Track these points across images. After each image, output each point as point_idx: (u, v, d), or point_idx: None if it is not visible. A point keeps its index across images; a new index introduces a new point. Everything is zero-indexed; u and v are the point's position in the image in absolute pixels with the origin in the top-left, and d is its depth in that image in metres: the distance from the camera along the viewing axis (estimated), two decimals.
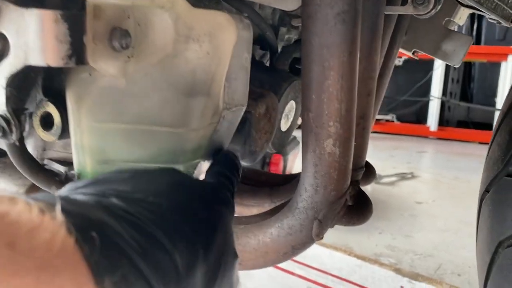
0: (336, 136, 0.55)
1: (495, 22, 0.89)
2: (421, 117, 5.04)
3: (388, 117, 5.12)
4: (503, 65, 4.49)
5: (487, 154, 0.64)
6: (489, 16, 0.84)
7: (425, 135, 4.82)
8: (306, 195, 0.60)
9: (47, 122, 0.57)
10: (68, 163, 0.70)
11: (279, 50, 0.90)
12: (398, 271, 1.60)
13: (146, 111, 0.48)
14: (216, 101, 0.52)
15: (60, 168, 0.71)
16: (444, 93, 4.87)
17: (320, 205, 0.59)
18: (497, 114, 4.56)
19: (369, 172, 0.83)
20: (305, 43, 0.53)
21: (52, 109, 0.55)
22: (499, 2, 0.81)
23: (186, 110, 0.49)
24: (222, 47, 0.47)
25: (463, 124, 5.10)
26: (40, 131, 0.57)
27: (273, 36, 0.81)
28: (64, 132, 0.56)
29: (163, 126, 0.49)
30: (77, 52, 0.40)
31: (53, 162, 0.71)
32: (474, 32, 5.04)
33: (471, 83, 5.19)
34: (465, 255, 1.79)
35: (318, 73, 0.53)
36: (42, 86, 0.57)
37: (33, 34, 0.39)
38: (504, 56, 4.41)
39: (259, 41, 0.85)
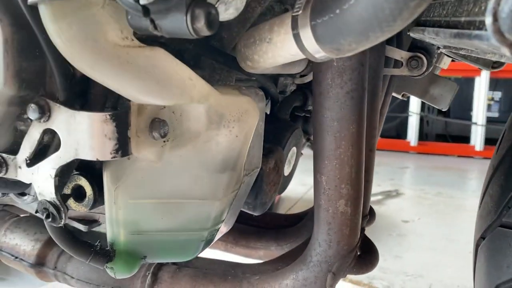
0: (348, 196, 0.60)
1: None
2: (400, 132, 5.18)
3: None
4: (477, 80, 4.66)
5: (480, 203, 0.70)
6: (472, 64, 0.91)
7: (406, 150, 4.95)
8: (320, 250, 0.64)
9: (77, 193, 0.61)
10: (87, 221, 0.73)
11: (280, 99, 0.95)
12: None
13: (179, 187, 0.52)
14: (239, 172, 0.56)
15: (80, 227, 0.74)
16: (422, 108, 5.02)
17: (333, 259, 0.64)
18: (473, 128, 4.74)
19: (370, 214, 0.88)
20: (317, 115, 0.59)
21: (84, 182, 0.59)
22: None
23: (214, 184, 0.53)
24: (247, 128, 0.52)
25: (441, 137, 5.25)
26: (72, 203, 0.61)
27: (275, 90, 0.87)
28: (95, 203, 0.60)
29: (193, 199, 0.53)
30: (123, 145, 0.45)
31: (73, 221, 0.75)
32: None
33: None
34: (453, 274, 1.86)
35: (330, 142, 0.58)
36: None
37: (84, 133, 0.43)
38: (478, 71, 4.58)
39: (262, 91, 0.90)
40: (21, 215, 0.90)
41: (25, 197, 0.69)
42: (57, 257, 0.81)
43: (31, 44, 0.44)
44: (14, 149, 0.50)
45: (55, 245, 0.84)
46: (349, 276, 1.77)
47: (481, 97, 4.65)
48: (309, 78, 0.88)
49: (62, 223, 0.48)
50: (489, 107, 4.87)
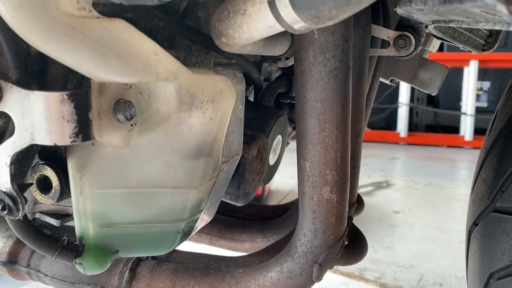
0: (333, 183, 0.57)
1: (466, 50, 0.94)
2: (390, 123, 5.17)
3: None
4: (466, 70, 4.66)
5: (472, 188, 0.67)
6: (462, 47, 0.88)
7: (396, 141, 4.94)
8: (305, 240, 0.61)
9: (43, 185, 0.56)
10: (60, 215, 0.69)
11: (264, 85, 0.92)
12: (383, 286, 1.63)
13: (149, 175, 0.48)
14: (217, 158, 0.53)
15: (52, 221, 0.70)
16: (411, 99, 5.01)
17: (319, 249, 0.60)
18: (462, 118, 4.75)
19: (358, 203, 0.85)
20: (299, 96, 0.55)
21: (49, 172, 0.54)
22: (471, 35, 0.85)
23: (189, 171, 0.49)
24: (223, 110, 0.48)
25: (431, 128, 5.25)
26: (37, 194, 0.56)
27: (258, 75, 0.83)
28: (63, 194, 0.56)
29: (166, 188, 0.50)
30: (84, 129, 0.41)
31: (45, 216, 0.70)
32: None
33: None
34: (444, 263, 1.84)
35: (313, 125, 0.54)
36: (39, 150, 0.56)
37: (40, 115, 0.39)
38: (466, 61, 4.58)
39: (244, 77, 0.86)
40: None
41: None
42: (30, 255, 0.76)
43: None
44: None
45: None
46: (340, 268, 1.75)
47: (470, 87, 4.65)
48: (292, 61, 0.84)
49: (21, 215, 0.44)
50: (478, 97, 4.88)
